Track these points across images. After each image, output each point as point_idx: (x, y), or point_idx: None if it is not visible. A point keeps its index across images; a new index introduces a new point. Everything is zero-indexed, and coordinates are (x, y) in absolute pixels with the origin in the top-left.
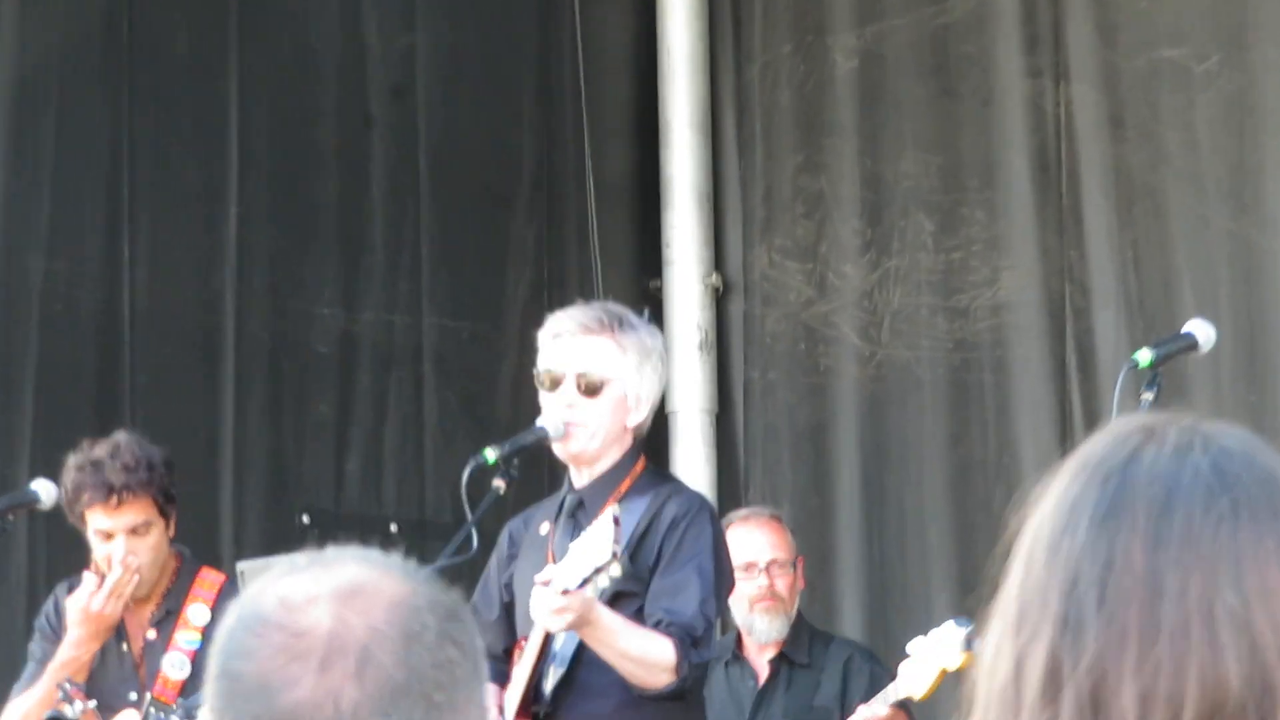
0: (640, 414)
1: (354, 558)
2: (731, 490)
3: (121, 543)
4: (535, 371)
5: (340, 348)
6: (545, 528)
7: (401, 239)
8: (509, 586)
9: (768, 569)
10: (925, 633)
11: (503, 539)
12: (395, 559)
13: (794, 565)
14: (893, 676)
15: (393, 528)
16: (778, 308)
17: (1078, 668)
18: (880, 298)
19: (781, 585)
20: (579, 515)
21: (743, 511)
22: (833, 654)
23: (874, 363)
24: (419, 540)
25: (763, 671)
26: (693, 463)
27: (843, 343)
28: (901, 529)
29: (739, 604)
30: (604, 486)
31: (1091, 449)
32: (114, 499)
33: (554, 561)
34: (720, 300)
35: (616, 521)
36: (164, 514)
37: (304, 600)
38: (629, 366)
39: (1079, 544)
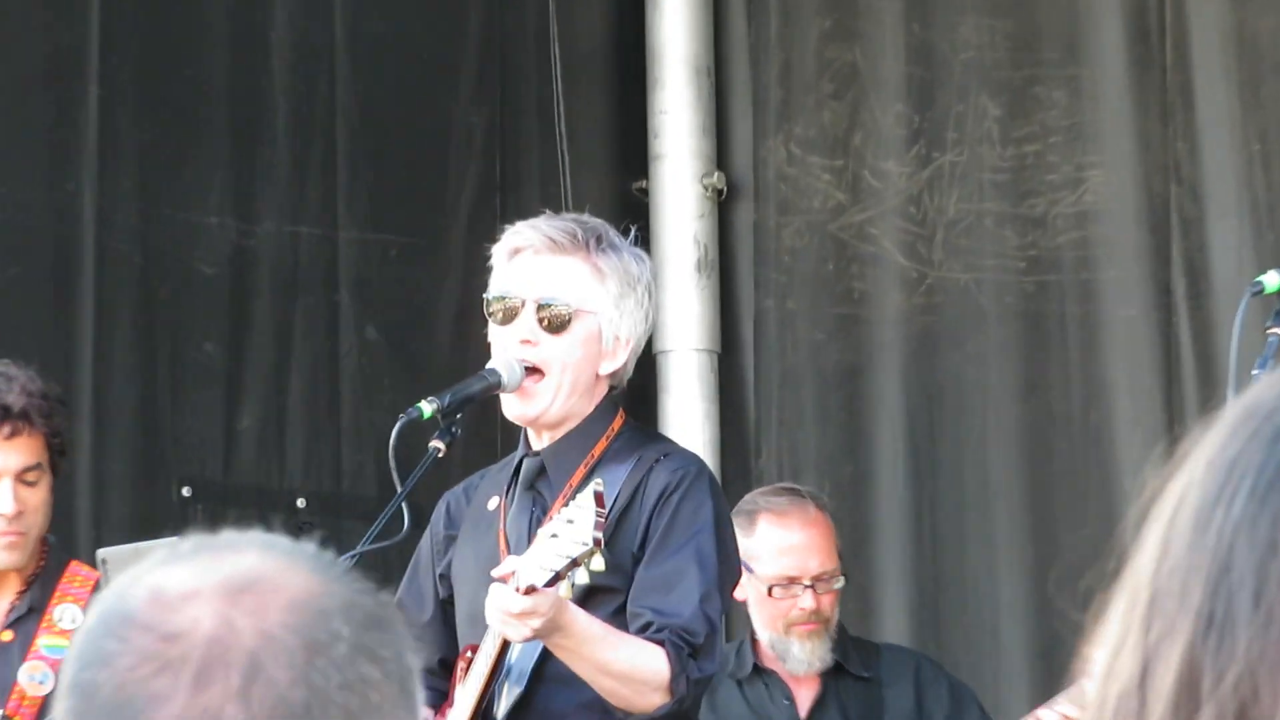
0: (619, 359)
1: (251, 544)
2: (738, 455)
3: (9, 489)
4: (485, 299)
5: (231, 269)
6: (494, 502)
7: (311, 128)
8: (446, 578)
9: (814, 585)
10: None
11: (438, 516)
12: (305, 546)
13: (843, 575)
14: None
15: (299, 503)
16: (798, 216)
17: (1222, 680)
18: (931, 204)
19: (828, 603)
20: (539, 486)
21: (778, 500)
22: (891, 663)
23: (923, 289)
24: (333, 519)
25: (803, 688)
26: (687, 419)
27: (883, 262)
28: (959, 505)
29: (769, 622)
30: (572, 448)
31: (1260, 396)
32: (8, 427)
33: (505, 546)
34: (724, 207)
35: (599, 498)
36: (54, 468)
37: (180, 595)
38: (606, 297)
39: (1234, 519)
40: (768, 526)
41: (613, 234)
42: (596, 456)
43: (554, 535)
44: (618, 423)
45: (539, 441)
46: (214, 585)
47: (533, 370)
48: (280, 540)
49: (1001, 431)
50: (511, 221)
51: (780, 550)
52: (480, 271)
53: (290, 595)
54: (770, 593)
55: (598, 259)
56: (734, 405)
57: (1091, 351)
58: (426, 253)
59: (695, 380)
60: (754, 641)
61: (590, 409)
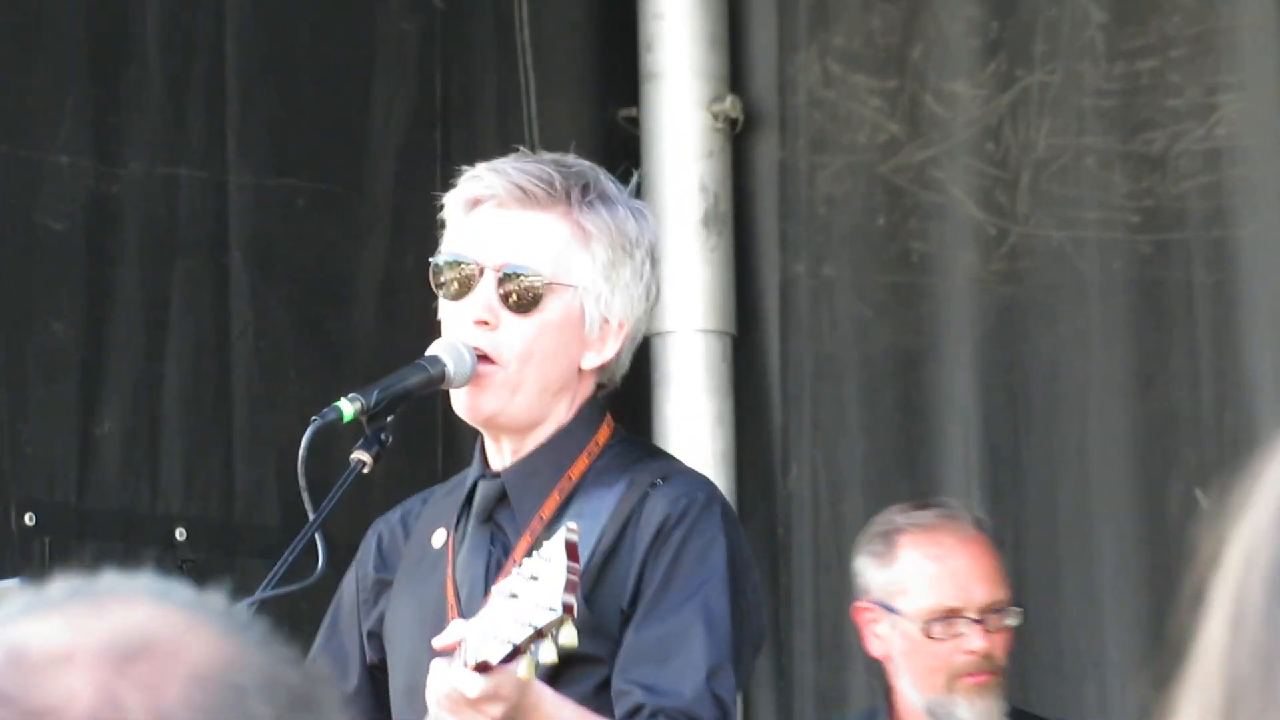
0: (608, 348)
1: (141, 592)
2: (758, 472)
3: None
4: (432, 265)
5: (87, 224)
6: (440, 537)
7: (192, 42)
8: (377, 637)
9: (983, 619)
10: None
11: (366, 554)
12: (212, 598)
13: (1017, 610)
14: None
15: (178, 535)
16: (839, 154)
17: None
18: (1015, 138)
19: (1001, 645)
20: (499, 517)
21: (922, 515)
22: None
23: (1005, 249)
24: (223, 556)
25: None
26: (691, 424)
27: (950, 215)
28: (1050, 536)
29: (926, 676)
30: (542, 468)
31: None
32: None
33: (454, 598)
34: (739, 142)
35: (572, 549)
36: None
37: (50, 658)
38: (593, 266)
39: None
40: (913, 548)
41: (604, 180)
42: (575, 480)
43: (513, 595)
44: (604, 433)
45: (499, 457)
46: (94, 647)
47: (486, 358)
48: (178, 588)
49: (1107, 439)
50: (455, 162)
51: (934, 576)
52: (414, 227)
53: (194, 664)
54: (928, 632)
55: (582, 215)
56: (753, 406)
57: (1227, 333)
58: (344, 203)
59: (702, 372)
60: (891, 712)
61: (569, 415)
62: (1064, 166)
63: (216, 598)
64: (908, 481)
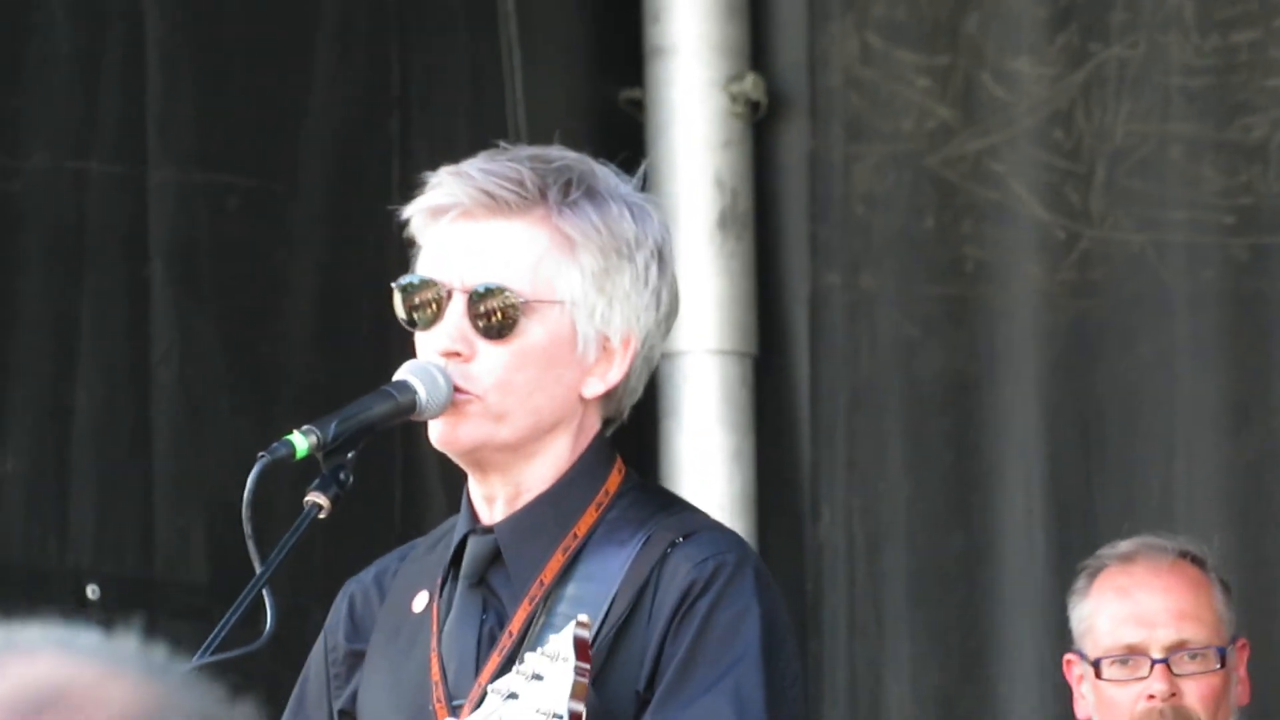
0: (613, 370)
1: (43, 642)
2: (784, 518)
3: None
4: (394, 289)
5: None
6: (422, 600)
7: (105, 10)
8: (350, 716)
9: (1167, 661)
10: None
11: (336, 620)
12: (122, 644)
13: (1223, 653)
14: None
15: (90, 592)
16: (879, 143)
17: None
18: (1088, 124)
19: (1194, 694)
20: (493, 580)
21: (1123, 545)
22: None
23: (1075, 256)
24: (143, 616)
25: None
26: (705, 461)
27: (1012, 216)
28: None
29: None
30: (543, 523)
31: None
32: None
33: (440, 675)
34: (762, 130)
35: (583, 647)
36: None
37: None
38: (579, 276)
39: None
40: (1105, 584)
41: (598, 174)
42: (581, 536)
43: (513, 696)
44: (615, 480)
45: (490, 508)
46: (2, 704)
47: (462, 390)
48: (85, 636)
49: (1197, 478)
50: (416, 157)
51: (1119, 614)
52: (362, 234)
53: (114, 714)
54: (1099, 672)
55: (563, 218)
56: (778, 440)
57: None
58: (283, 202)
59: (718, 400)
60: None
61: (570, 456)
62: (1145, 158)
63: (126, 642)
64: (960, 531)
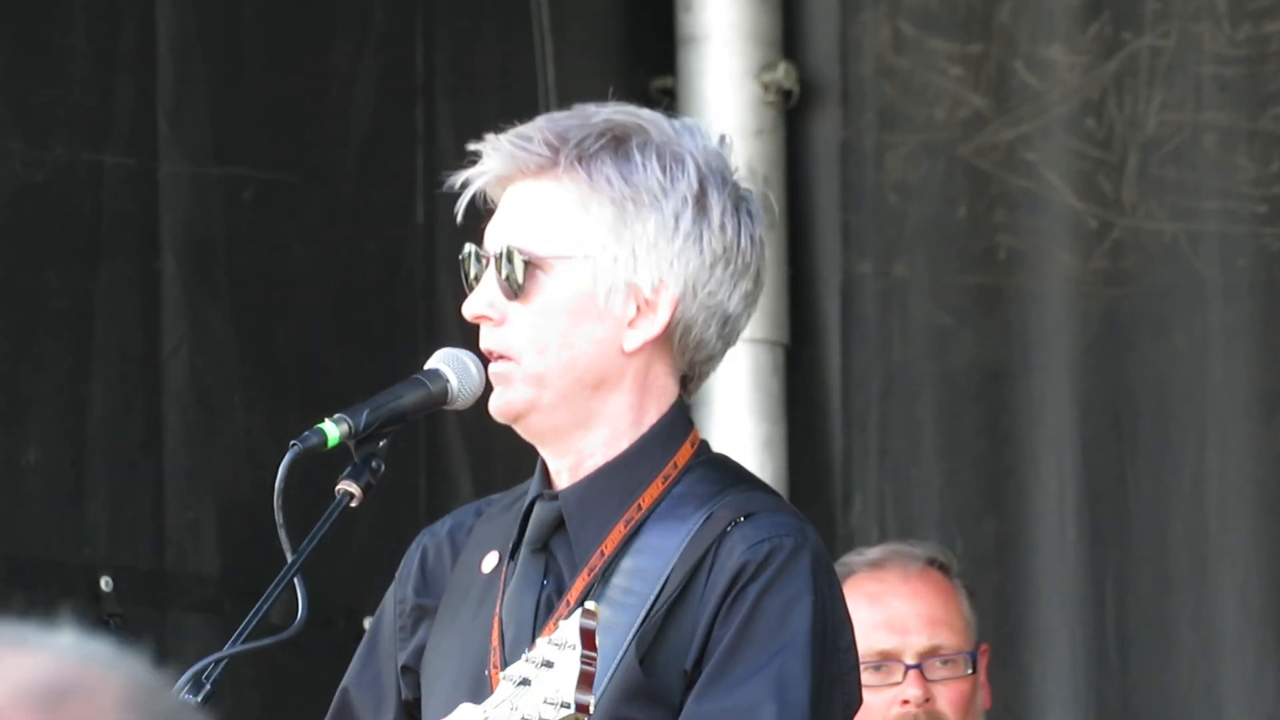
0: (652, 320)
1: (38, 641)
2: (817, 505)
3: None
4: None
5: (10, 217)
6: (492, 560)
7: (116, 5)
8: (413, 673)
9: (920, 666)
10: None
11: (407, 570)
12: (95, 645)
13: (973, 659)
14: None
15: (104, 584)
16: (912, 132)
17: None
18: (1121, 112)
19: (945, 699)
20: (555, 546)
21: (871, 552)
22: None
23: (1108, 245)
24: (154, 609)
25: None
26: (736, 447)
27: (1045, 203)
28: (1161, 581)
29: None
30: (609, 492)
31: None
32: None
33: (499, 642)
34: (794, 118)
35: (589, 638)
36: None
37: None
38: (596, 228)
39: None
40: (855, 590)
41: (636, 128)
42: (645, 509)
43: (524, 682)
44: (686, 453)
45: (558, 478)
46: (20, 695)
47: (503, 356)
48: (96, 640)
49: (1230, 469)
50: (442, 146)
51: (871, 614)
52: (382, 225)
53: (122, 697)
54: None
55: (575, 172)
56: (810, 428)
57: None
58: (298, 196)
59: (748, 389)
60: None
61: (637, 423)
62: (1179, 147)
63: (97, 646)
64: (992, 519)
